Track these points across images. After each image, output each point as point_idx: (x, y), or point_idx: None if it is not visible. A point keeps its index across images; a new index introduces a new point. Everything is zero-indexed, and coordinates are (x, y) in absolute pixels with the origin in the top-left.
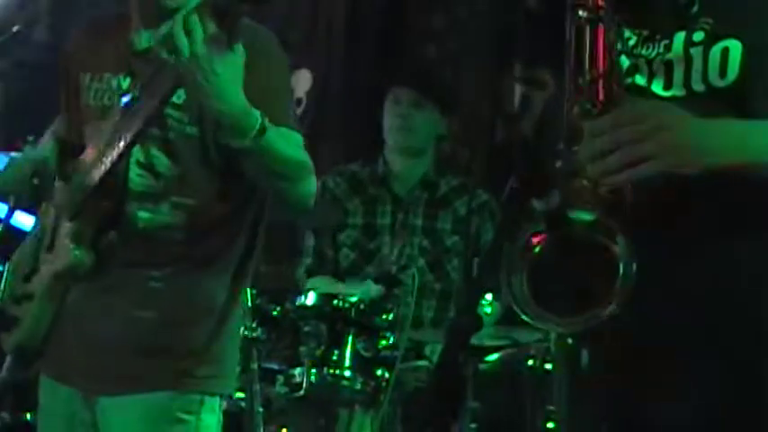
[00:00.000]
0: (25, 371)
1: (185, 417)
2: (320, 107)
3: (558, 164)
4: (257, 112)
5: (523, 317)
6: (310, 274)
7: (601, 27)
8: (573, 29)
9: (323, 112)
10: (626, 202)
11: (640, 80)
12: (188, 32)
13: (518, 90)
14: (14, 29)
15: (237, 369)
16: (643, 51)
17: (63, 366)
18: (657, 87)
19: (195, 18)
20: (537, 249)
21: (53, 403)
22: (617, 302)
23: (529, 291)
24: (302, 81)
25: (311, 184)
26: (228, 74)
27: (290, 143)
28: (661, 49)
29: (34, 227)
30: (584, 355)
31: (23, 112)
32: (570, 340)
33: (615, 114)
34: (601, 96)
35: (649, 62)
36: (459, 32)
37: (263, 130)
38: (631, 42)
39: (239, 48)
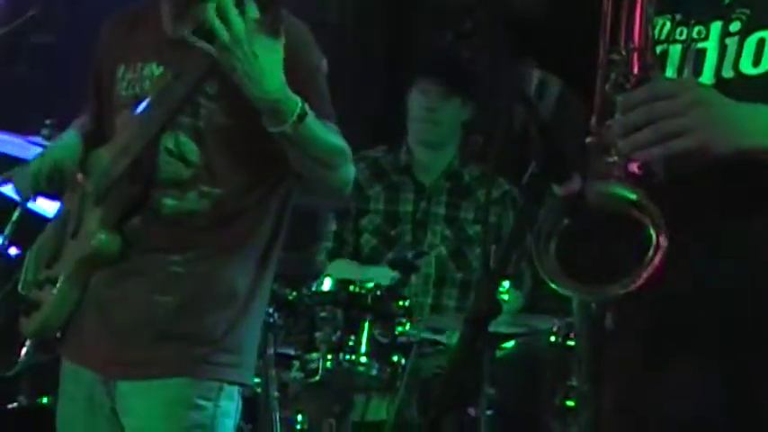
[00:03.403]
0: (44, 355)
1: (203, 403)
2: (331, 94)
3: (589, 139)
4: (297, 98)
5: (551, 284)
6: (331, 258)
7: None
8: (610, 0)
9: (337, 99)
10: (656, 177)
11: (670, 72)
12: (223, 18)
13: (535, 75)
14: (30, 13)
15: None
16: (677, 36)
17: (83, 350)
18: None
19: (229, 2)
20: (568, 219)
21: (73, 387)
22: (647, 275)
23: (558, 259)
24: None
25: (350, 171)
26: (269, 58)
27: (329, 131)
28: (694, 35)
29: (57, 213)
30: (609, 318)
31: (41, 95)
32: (594, 307)
33: (650, 87)
34: (635, 70)
35: (682, 49)
36: (473, 17)
37: (303, 115)
38: (666, 29)
39: (280, 31)
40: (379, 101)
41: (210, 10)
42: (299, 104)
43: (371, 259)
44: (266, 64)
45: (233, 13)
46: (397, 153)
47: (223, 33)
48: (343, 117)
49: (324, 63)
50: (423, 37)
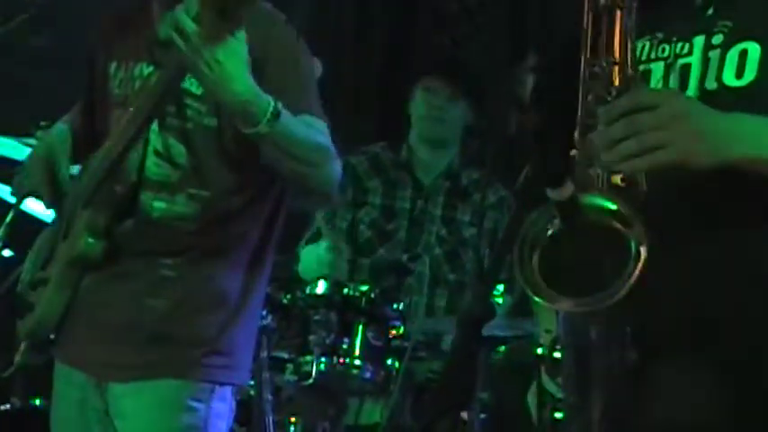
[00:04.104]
0: (38, 357)
1: (195, 405)
2: (331, 94)
3: (573, 152)
4: (268, 97)
5: (534, 298)
6: (309, 239)
7: (619, 12)
8: (590, 14)
9: (334, 100)
10: (639, 189)
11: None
12: (177, 30)
13: (530, 79)
14: (25, 15)
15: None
16: (659, 54)
17: (76, 353)
18: None
19: (182, 14)
20: (550, 232)
21: (66, 389)
22: (628, 286)
23: (540, 272)
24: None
25: (334, 170)
26: (233, 61)
27: (310, 128)
28: (677, 50)
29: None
30: (593, 333)
31: (41, 98)
32: (578, 321)
33: (631, 98)
34: (617, 83)
35: (665, 66)
36: (470, 20)
37: (276, 114)
38: (646, 50)
39: (241, 34)
40: (379, 102)
41: (168, 25)
42: (272, 104)
43: (365, 251)
44: (231, 67)
45: (188, 24)
46: (398, 150)
47: (182, 46)
48: (342, 117)
49: (311, 60)
50: (423, 40)
